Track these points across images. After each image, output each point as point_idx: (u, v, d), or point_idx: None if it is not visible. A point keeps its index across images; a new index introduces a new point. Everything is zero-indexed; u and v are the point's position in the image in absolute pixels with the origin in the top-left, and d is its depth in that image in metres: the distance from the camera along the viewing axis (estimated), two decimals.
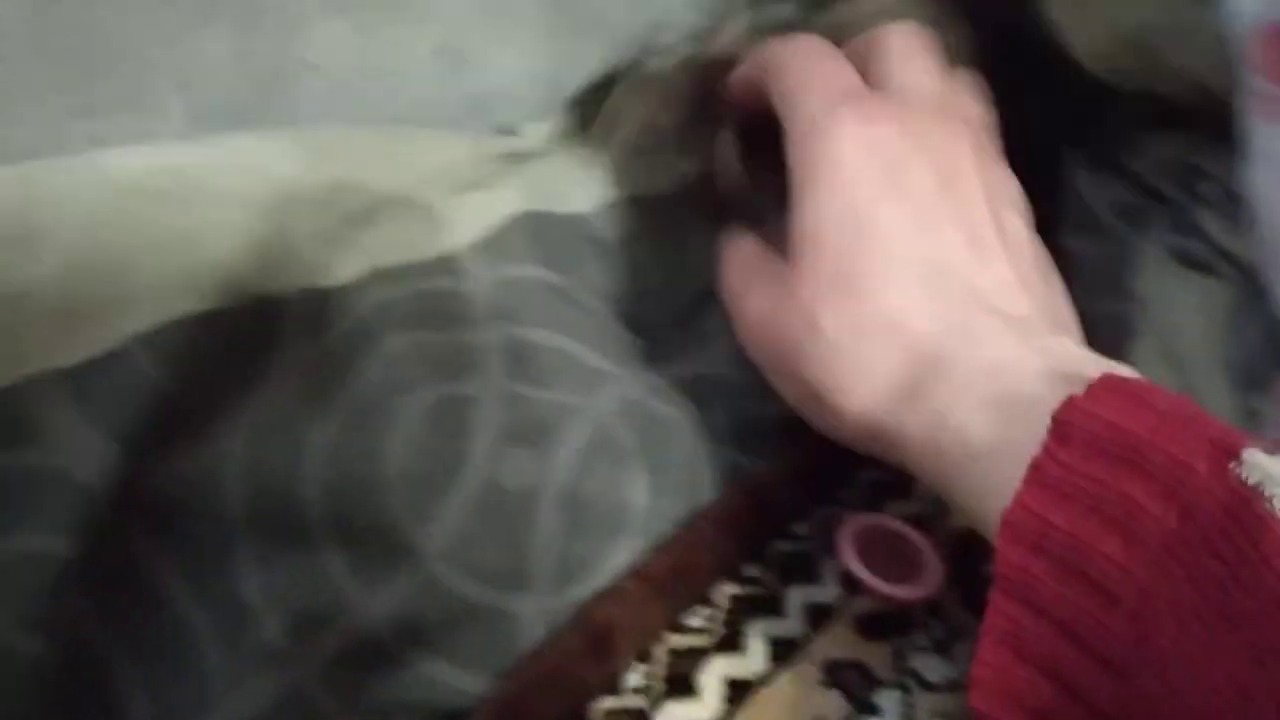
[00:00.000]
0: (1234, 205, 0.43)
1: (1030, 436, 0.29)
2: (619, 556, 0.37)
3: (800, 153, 0.37)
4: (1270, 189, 0.37)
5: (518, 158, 0.48)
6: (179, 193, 0.37)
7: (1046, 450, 0.28)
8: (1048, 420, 0.28)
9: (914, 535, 0.39)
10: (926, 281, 0.34)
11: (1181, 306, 0.43)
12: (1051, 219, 0.49)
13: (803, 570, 0.39)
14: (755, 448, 0.42)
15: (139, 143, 0.38)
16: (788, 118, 0.39)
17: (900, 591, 0.38)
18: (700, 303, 0.46)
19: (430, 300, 0.41)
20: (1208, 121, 0.44)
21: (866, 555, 0.39)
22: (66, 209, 0.35)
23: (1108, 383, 0.29)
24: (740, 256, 0.41)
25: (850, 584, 0.38)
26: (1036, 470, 0.28)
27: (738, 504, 0.39)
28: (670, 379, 0.43)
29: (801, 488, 0.40)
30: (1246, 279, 0.43)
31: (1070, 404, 0.28)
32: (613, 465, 0.39)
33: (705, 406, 0.42)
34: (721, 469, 0.40)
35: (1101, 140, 0.49)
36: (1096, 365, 0.32)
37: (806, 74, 0.39)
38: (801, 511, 0.40)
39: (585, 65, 0.50)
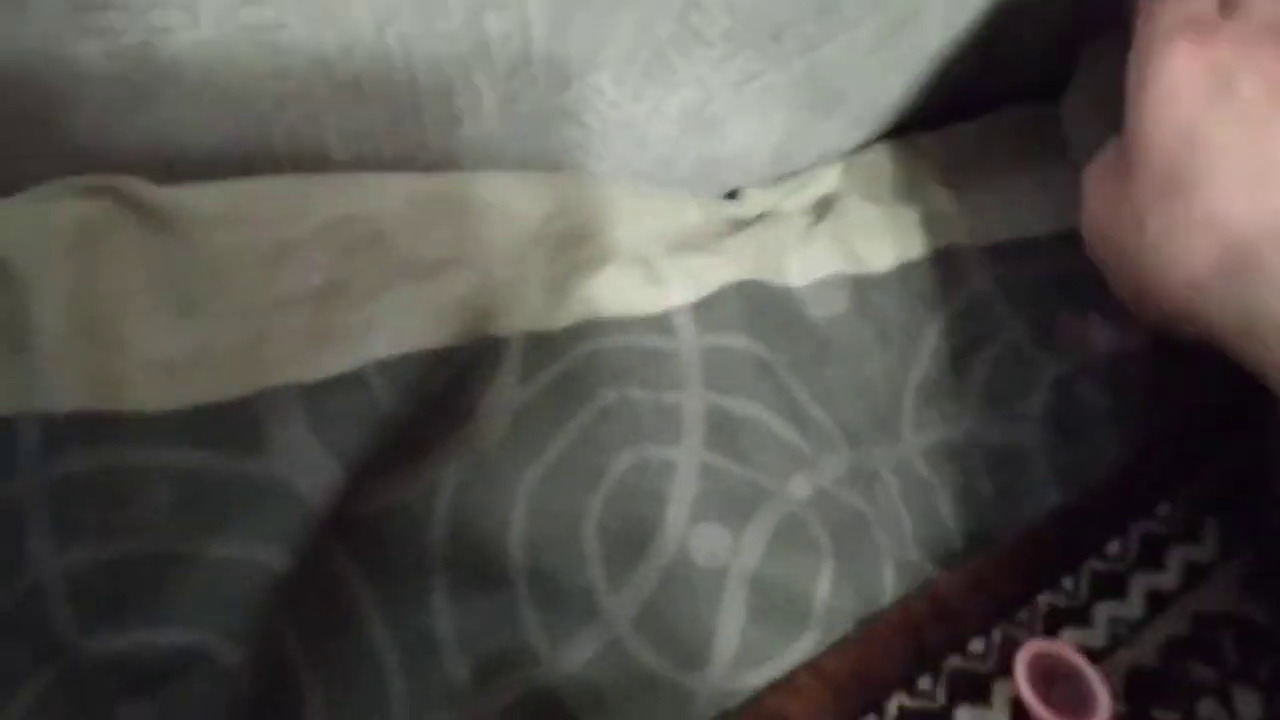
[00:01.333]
0: None
1: None
2: (798, 649, 0.38)
3: (1135, 71, 0.39)
4: None
5: (740, 224, 0.48)
6: (433, 226, 0.39)
7: None
8: None
9: (1088, 668, 0.39)
10: (1248, 186, 0.36)
11: None
12: None
13: (974, 690, 0.38)
14: (942, 554, 0.42)
15: (397, 171, 0.40)
16: (1135, 36, 0.40)
17: None
18: (898, 397, 0.46)
19: (641, 356, 0.42)
20: None
21: (1038, 683, 0.38)
22: (329, 230, 0.37)
23: None
24: (1096, 165, 0.42)
25: (1020, 711, 0.38)
26: None
27: (918, 611, 0.39)
28: (864, 472, 0.43)
29: (983, 603, 0.40)
30: None
31: None
32: (800, 554, 0.39)
33: (896, 505, 0.42)
34: (906, 572, 0.40)
35: None
36: None
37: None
38: (980, 628, 0.40)
39: (817, 141, 0.51)
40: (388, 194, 0.38)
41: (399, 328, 0.36)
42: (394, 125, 0.39)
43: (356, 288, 0.36)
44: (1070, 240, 0.42)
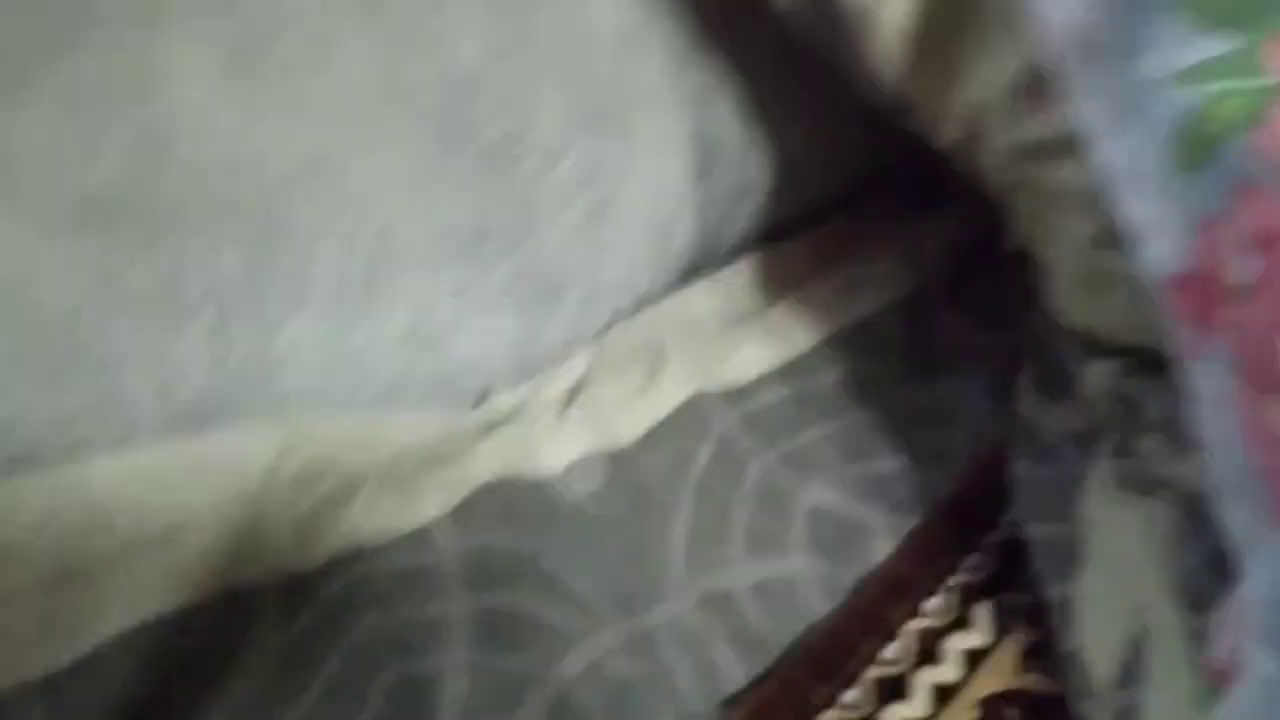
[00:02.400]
0: (1169, 432, 0.45)
1: None
2: None
3: None
4: (1200, 416, 0.39)
5: (490, 426, 0.50)
6: (154, 498, 0.39)
7: None
8: None
9: None
10: None
11: (1124, 530, 0.44)
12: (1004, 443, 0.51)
13: None
14: (723, 698, 0.43)
15: (116, 446, 0.41)
16: None
17: None
18: (664, 557, 0.48)
19: (401, 577, 0.43)
20: (1135, 356, 0.46)
21: None
22: (46, 526, 0.37)
23: None
24: None
25: None
26: None
27: None
28: (636, 636, 0.44)
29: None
30: (1189, 503, 0.44)
31: None
32: None
33: (672, 663, 0.43)
34: None
35: (1050, 366, 0.51)
36: None
37: None
38: None
39: (551, 333, 0.53)
40: (98, 482, 0.39)
41: (129, 601, 0.37)
42: (101, 405, 0.40)
43: (80, 575, 0.37)
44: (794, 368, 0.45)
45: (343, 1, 0.45)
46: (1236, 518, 0.37)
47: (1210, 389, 0.37)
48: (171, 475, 0.40)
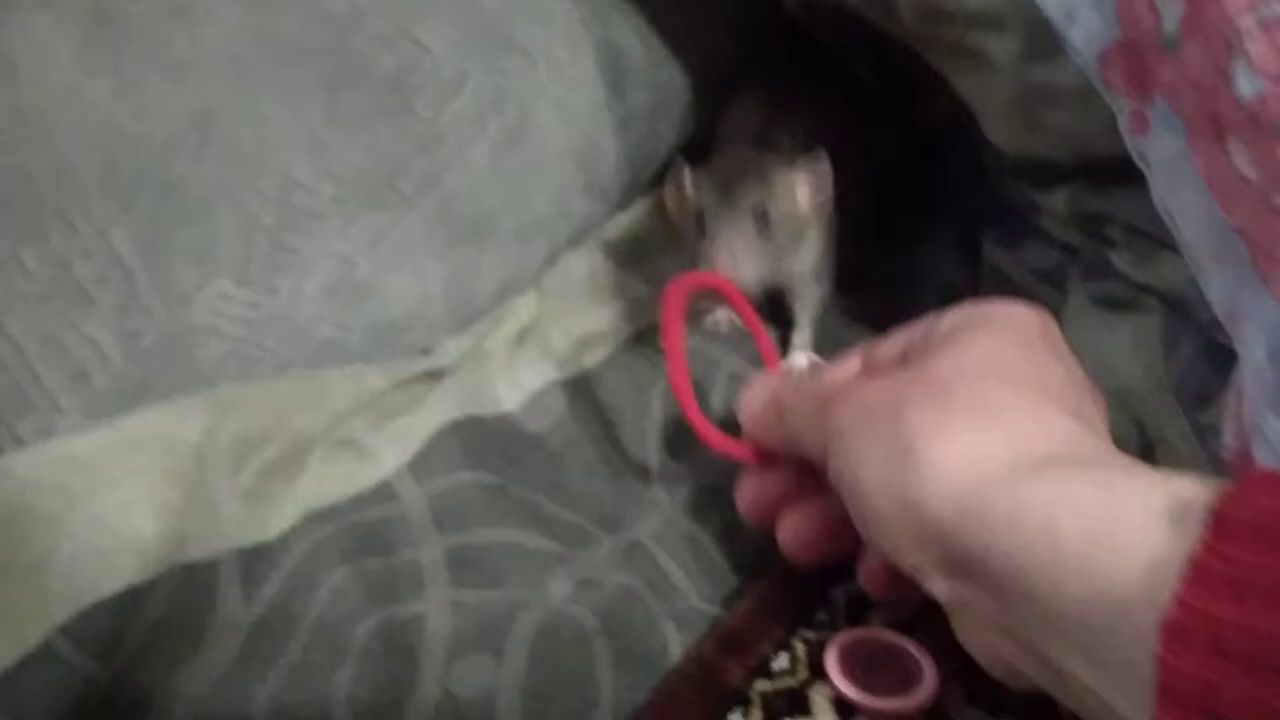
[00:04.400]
0: (1139, 239, 0.43)
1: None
2: None
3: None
4: (1167, 196, 0.37)
5: (436, 374, 0.48)
6: (84, 481, 0.37)
7: (1206, 545, 0.25)
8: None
9: (903, 641, 0.38)
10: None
11: (1113, 348, 0.42)
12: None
13: (792, 706, 0.37)
14: (722, 595, 0.40)
15: (37, 439, 0.38)
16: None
17: (894, 704, 0.36)
18: (644, 467, 0.45)
19: (366, 530, 0.41)
20: (1090, 172, 0.44)
21: (858, 673, 0.37)
22: None
23: (1263, 475, 0.27)
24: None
25: (844, 708, 0.36)
26: (1199, 568, 0.25)
27: (710, 655, 0.38)
28: (623, 548, 0.42)
29: (773, 622, 0.39)
30: (1170, 305, 0.42)
31: (1230, 497, 0.26)
32: (571, 648, 0.37)
33: (665, 566, 0.41)
34: (688, 624, 0.39)
35: (1009, 211, 0.49)
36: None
37: None
38: (780, 646, 0.38)
39: (488, 275, 0.51)
40: (22, 472, 0.37)
41: (72, 588, 0.35)
42: (16, 400, 0.38)
43: (16, 566, 0.35)
44: None
45: None
46: (1220, 286, 0.35)
47: (1166, 156, 0.35)
48: (99, 459, 0.38)
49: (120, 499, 0.37)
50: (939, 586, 0.30)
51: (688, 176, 0.48)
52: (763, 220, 0.47)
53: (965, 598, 0.29)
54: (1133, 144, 0.38)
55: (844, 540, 0.35)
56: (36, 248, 0.39)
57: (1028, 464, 0.28)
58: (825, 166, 0.48)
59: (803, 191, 0.49)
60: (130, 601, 0.35)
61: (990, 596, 0.28)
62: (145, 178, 0.41)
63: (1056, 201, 0.46)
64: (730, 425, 0.39)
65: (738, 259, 0.46)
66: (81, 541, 0.36)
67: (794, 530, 0.37)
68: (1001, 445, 0.29)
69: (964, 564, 0.28)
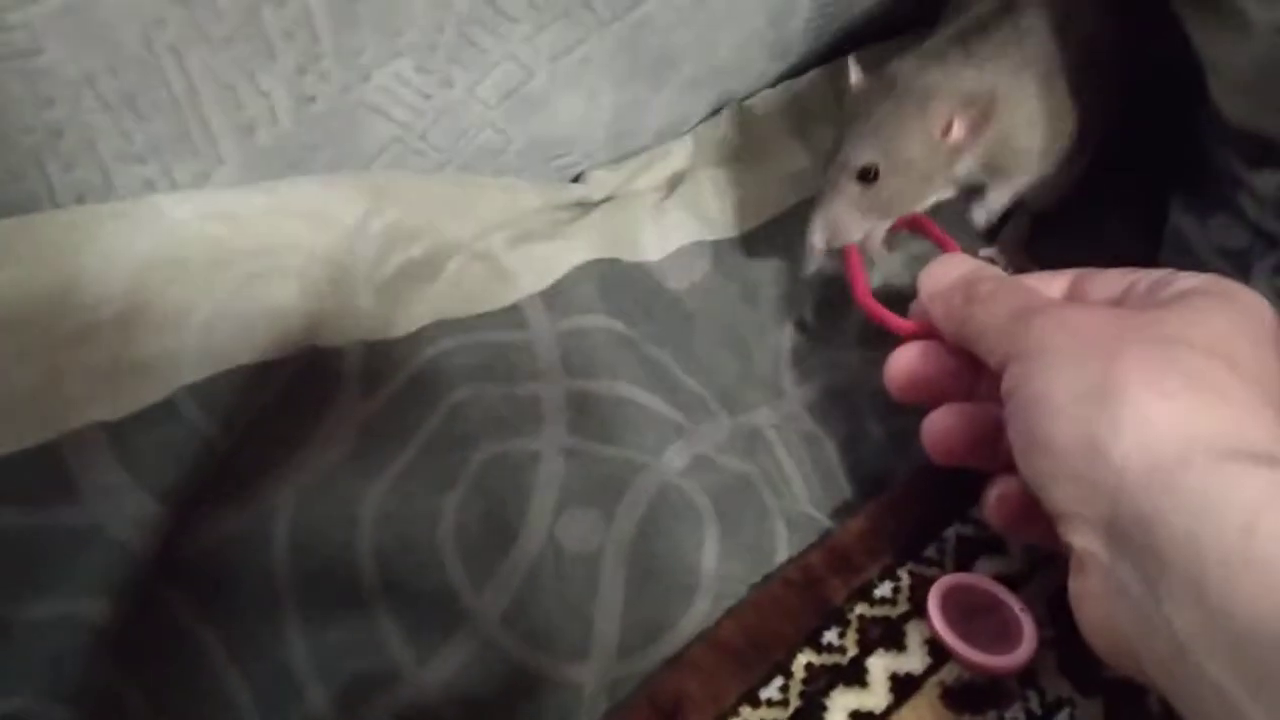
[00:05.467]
0: None
1: None
2: (688, 622, 0.35)
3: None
4: None
5: (585, 206, 0.46)
6: (235, 240, 0.36)
7: None
8: None
9: (1007, 596, 0.36)
10: None
11: None
12: (1151, 259, 0.46)
13: (887, 636, 0.36)
14: (835, 505, 0.39)
15: (192, 188, 0.37)
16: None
17: (991, 660, 0.35)
18: (775, 353, 0.44)
19: (492, 352, 0.40)
20: None
21: (956, 619, 0.36)
22: (119, 257, 0.34)
23: None
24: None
25: (937, 650, 0.36)
26: None
27: (816, 565, 0.37)
28: (746, 434, 0.40)
29: (885, 547, 0.38)
30: None
31: None
32: (681, 524, 0.37)
33: (783, 462, 0.40)
34: (800, 528, 0.38)
35: (1207, 180, 0.47)
36: None
37: None
38: (886, 572, 0.37)
39: (654, 115, 0.49)
40: (176, 215, 0.36)
41: (207, 349, 0.34)
42: (180, 141, 0.36)
43: (156, 313, 0.34)
44: None
45: None
46: None
47: None
48: (253, 218, 0.36)
49: (269, 266, 0.36)
50: (1083, 541, 0.28)
51: (853, 73, 0.44)
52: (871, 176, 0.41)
53: (1109, 564, 0.28)
54: None
55: (986, 454, 0.34)
56: None
57: (1245, 454, 0.26)
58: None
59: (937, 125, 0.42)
60: (261, 375, 0.35)
61: (1144, 574, 0.27)
62: None
63: (1265, 183, 0.44)
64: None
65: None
66: (222, 304, 0.35)
67: (944, 428, 0.35)
68: (1216, 426, 0.27)
69: (1128, 529, 0.27)
